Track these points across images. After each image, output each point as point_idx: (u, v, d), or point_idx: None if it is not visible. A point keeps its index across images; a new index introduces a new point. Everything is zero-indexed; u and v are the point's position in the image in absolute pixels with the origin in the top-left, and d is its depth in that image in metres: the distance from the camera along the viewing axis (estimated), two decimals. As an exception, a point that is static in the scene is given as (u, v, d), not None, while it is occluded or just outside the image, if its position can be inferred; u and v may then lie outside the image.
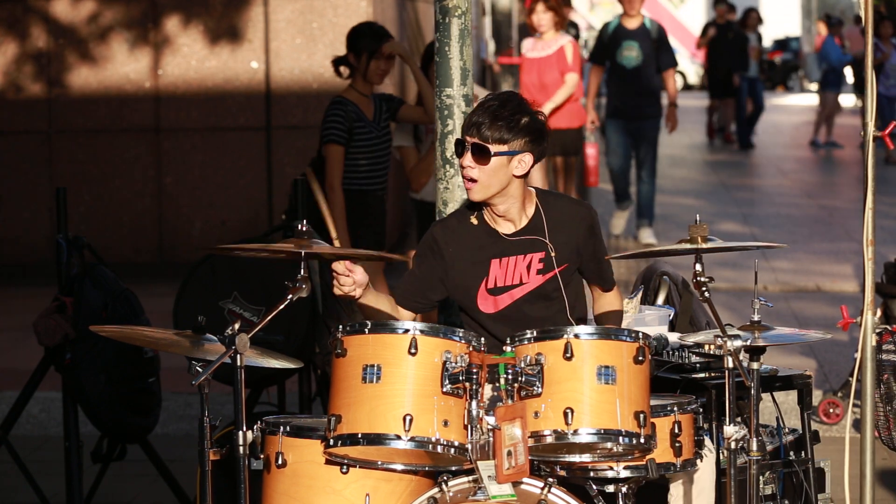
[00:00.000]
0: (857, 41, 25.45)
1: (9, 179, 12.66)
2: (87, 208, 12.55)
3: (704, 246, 4.48)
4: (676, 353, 5.46)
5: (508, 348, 4.36)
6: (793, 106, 32.63)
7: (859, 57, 24.31)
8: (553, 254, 4.81)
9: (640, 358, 4.37)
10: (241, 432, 4.32)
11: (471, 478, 4.31)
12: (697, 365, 5.40)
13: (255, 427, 4.41)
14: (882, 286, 7.54)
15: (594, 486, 4.54)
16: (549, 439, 4.29)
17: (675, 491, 4.78)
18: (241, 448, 4.32)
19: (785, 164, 21.15)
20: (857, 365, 5.31)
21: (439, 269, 4.86)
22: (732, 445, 4.51)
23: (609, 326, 4.78)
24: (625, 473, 4.48)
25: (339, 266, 4.57)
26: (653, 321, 5.69)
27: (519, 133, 4.68)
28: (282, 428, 4.46)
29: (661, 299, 6.08)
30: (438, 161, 5.72)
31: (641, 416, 4.33)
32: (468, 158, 4.70)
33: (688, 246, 4.49)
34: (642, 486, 4.59)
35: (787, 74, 41.72)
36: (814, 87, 29.45)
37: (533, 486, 4.31)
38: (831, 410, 7.86)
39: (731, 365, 4.48)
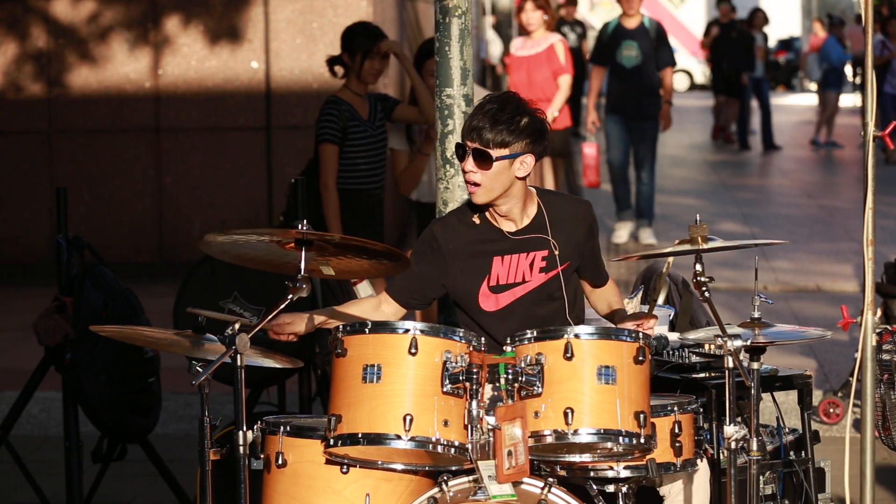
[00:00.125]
0: (858, 41, 25.44)
1: (9, 179, 12.65)
2: (87, 208, 12.55)
3: (704, 246, 4.48)
4: (676, 353, 5.46)
5: (508, 348, 4.36)
6: (793, 106, 32.60)
7: (861, 57, 24.28)
8: (556, 252, 4.81)
9: (641, 358, 4.37)
10: (241, 432, 4.32)
11: (471, 478, 4.31)
12: (697, 365, 5.40)
13: (255, 427, 4.41)
14: (882, 286, 7.54)
15: (594, 486, 4.54)
16: (550, 439, 4.29)
17: (672, 490, 4.78)
18: (241, 448, 4.32)
19: (785, 164, 21.15)
20: (857, 365, 5.30)
21: (439, 266, 4.85)
22: (733, 445, 4.51)
23: (609, 326, 4.78)
24: (625, 473, 4.49)
25: (270, 334, 4.76)
26: (653, 321, 5.68)
27: (520, 135, 4.67)
28: (282, 428, 4.46)
29: (661, 299, 6.07)
30: (438, 161, 5.71)
31: (642, 416, 4.33)
32: (470, 163, 4.68)
33: (688, 246, 4.50)
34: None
35: (791, 74, 41.69)
36: (813, 86, 29.43)
37: (533, 486, 4.31)
38: (831, 410, 7.86)
39: (731, 365, 4.48)
